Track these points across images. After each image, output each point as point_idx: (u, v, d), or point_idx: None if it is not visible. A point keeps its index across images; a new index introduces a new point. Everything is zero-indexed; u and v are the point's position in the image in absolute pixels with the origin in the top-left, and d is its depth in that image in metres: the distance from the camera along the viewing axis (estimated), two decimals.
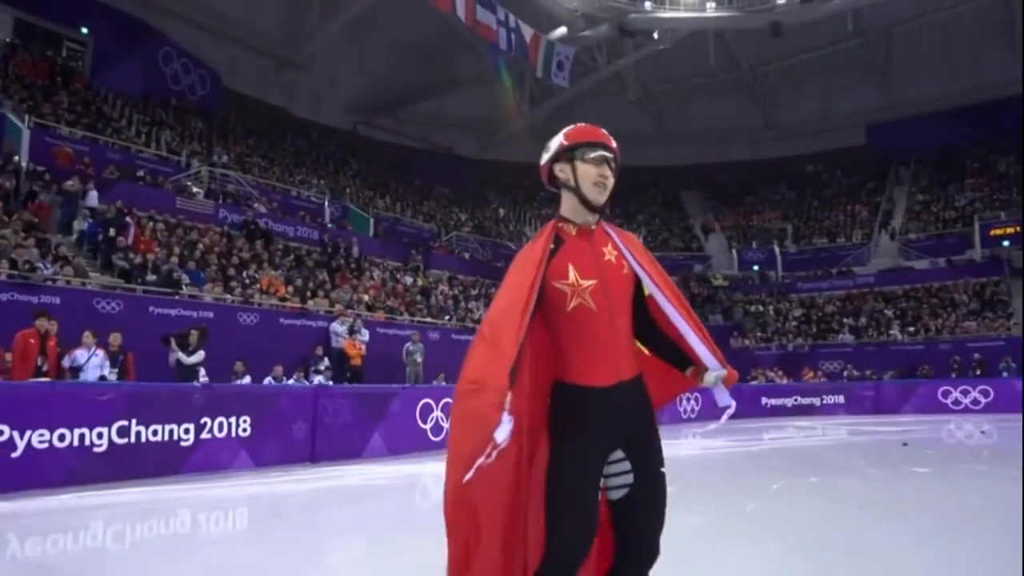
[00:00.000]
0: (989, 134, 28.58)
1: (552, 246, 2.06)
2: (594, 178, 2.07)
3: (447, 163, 31.60)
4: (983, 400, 17.56)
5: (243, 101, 25.65)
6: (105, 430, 6.82)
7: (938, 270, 24.83)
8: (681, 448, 10.75)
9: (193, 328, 10.48)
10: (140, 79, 21.59)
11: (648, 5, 26.27)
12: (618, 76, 30.41)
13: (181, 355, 10.10)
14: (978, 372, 19.23)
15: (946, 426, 14.31)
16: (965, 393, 17.85)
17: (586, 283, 2.02)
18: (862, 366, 21.42)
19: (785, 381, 20.60)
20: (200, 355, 10.21)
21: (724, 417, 2.28)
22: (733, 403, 2.24)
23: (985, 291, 23.02)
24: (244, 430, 8.03)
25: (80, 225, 13.26)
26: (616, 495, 2.06)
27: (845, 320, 23.91)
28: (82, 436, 6.66)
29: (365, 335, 13.93)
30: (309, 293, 15.03)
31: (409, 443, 9.70)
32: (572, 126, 2.17)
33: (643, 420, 2.10)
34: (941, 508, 5.91)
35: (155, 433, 7.21)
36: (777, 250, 28.78)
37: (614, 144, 2.13)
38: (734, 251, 29.77)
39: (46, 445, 6.41)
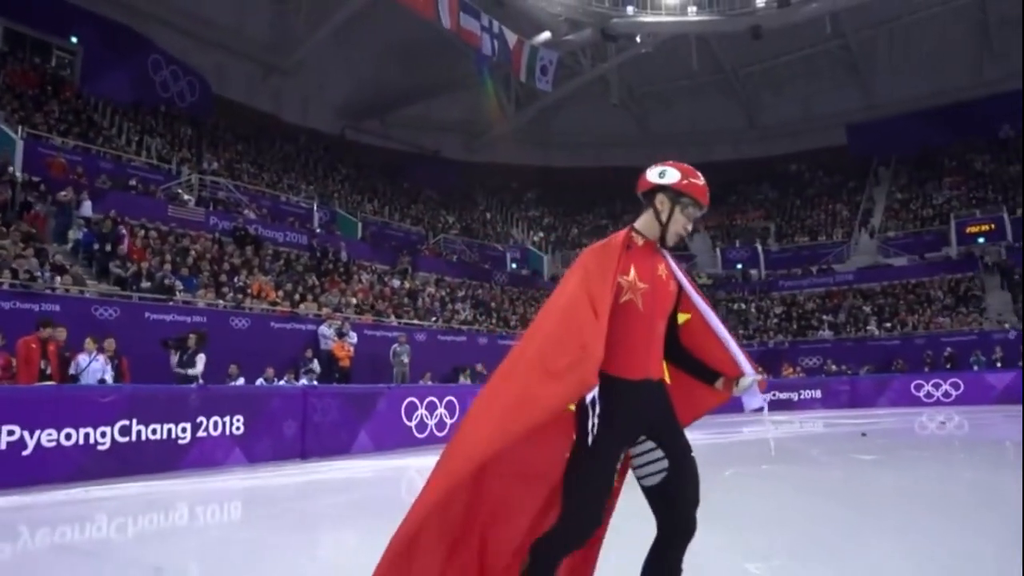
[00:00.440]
0: (966, 133, 29.17)
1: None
2: (680, 229, 2.39)
3: (434, 166, 31.76)
4: (954, 393, 18.16)
5: (232, 107, 25.73)
6: (108, 429, 7.30)
7: (915, 267, 25.43)
8: None
9: (191, 332, 10.82)
10: (129, 87, 21.76)
11: (630, 10, 26.61)
12: (602, 79, 30.77)
13: (186, 370, 10.17)
14: (948, 366, 19.84)
15: (918, 418, 14.85)
16: (937, 386, 18.46)
17: (641, 285, 2.30)
18: (840, 361, 21.92)
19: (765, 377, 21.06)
20: (200, 366, 10.29)
21: (763, 412, 2.57)
22: (765, 404, 2.52)
23: (959, 287, 23.64)
24: (238, 429, 8.52)
25: (75, 235, 13.48)
26: (653, 480, 2.28)
27: (825, 317, 24.44)
28: (87, 435, 7.14)
29: (353, 337, 14.32)
30: (298, 297, 15.40)
31: (394, 440, 10.20)
32: (691, 173, 2.37)
33: (668, 413, 2.35)
34: (875, 487, 6.50)
35: (154, 432, 7.70)
36: (760, 249, 29.32)
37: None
38: (718, 250, 30.25)
39: (54, 444, 6.89)
